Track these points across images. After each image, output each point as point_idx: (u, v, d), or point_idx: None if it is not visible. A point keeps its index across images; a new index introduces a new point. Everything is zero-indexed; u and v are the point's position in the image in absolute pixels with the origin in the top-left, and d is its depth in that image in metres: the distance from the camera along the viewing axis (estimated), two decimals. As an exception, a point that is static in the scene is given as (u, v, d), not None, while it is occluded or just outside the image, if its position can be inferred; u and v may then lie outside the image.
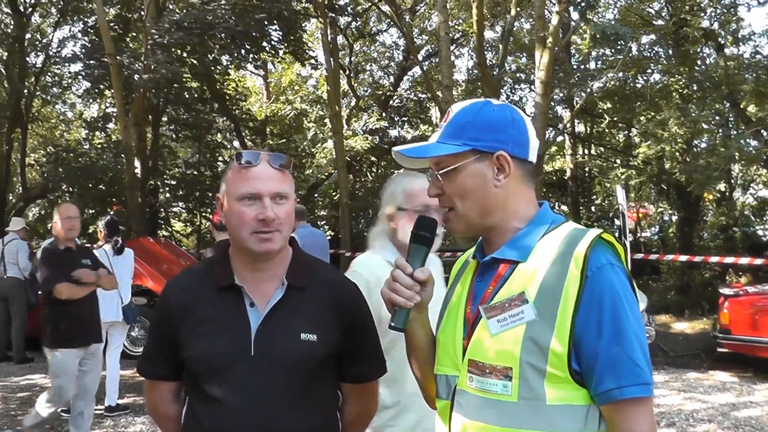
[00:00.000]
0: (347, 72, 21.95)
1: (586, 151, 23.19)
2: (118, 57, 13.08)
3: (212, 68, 15.95)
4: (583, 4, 11.71)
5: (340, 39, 20.29)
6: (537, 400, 1.40)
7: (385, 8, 19.13)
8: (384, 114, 21.18)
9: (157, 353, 1.98)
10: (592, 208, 22.33)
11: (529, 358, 1.40)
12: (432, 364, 1.68)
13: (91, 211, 15.02)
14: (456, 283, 1.69)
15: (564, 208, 21.74)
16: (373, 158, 21.41)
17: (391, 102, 22.27)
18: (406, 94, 22.91)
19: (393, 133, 22.17)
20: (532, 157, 1.59)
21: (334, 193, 20.58)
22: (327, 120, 20.03)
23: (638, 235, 21.19)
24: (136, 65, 13.29)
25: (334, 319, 1.89)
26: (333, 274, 2.05)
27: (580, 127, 22.61)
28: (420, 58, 20.45)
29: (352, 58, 22.96)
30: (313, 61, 17.02)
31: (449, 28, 15.16)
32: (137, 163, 14.83)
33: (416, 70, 21.85)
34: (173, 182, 17.59)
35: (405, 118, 22.90)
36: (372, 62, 24.04)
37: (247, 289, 1.83)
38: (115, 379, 7.16)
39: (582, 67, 18.87)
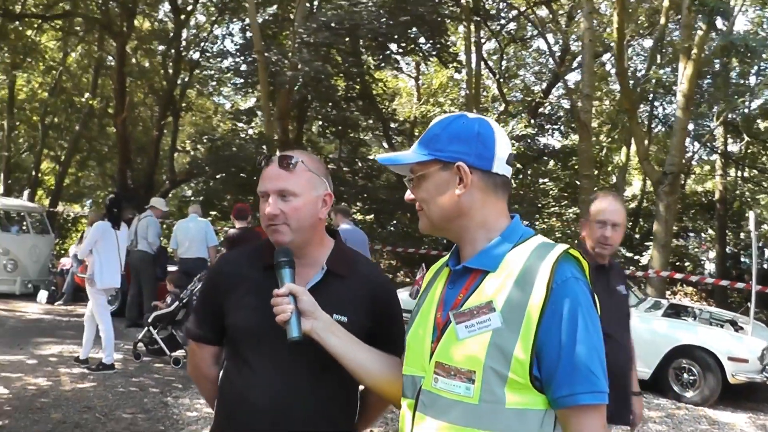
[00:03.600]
0: (497, 76, 22.18)
1: (739, 173, 22.07)
2: (266, 54, 14.08)
3: (358, 68, 16.72)
4: (714, 13, 11.34)
5: (491, 43, 20.54)
6: (497, 403, 1.56)
7: (542, 13, 19.14)
8: (533, 121, 21.25)
9: (203, 318, 2.31)
10: (741, 234, 21.28)
11: (492, 364, 1.56)
12: (369, 367, 1.97)
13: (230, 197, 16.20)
14: (429, 289, 1.87)
15: (711, 231, 20.82)
16: (519, 165, 21.43)
17: (540, 109, 22.86)
18: (557, 102, 23.35)
19: (542, 140, 22.41)
20: (498, 169, 1.74)
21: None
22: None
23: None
24: (283, 62, 14.23)
25: (365, 306, 2.16)
26: (370, 267, 2.34)
27: (733, 147, 21.56)
28: (576, 64, 20.33)
29: (504, 63, 23.05)
30: (456, 64, 17.40)
31: (594, 35, 15.12)
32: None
33: (569, 77, 22.29)
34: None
35: (555, 126, 23.20)
36: (524, 67, 24.04)
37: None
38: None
39: (743, 82, 17.91)
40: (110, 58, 23.14)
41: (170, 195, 23.38)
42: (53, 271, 14.36)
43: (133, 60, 23.24)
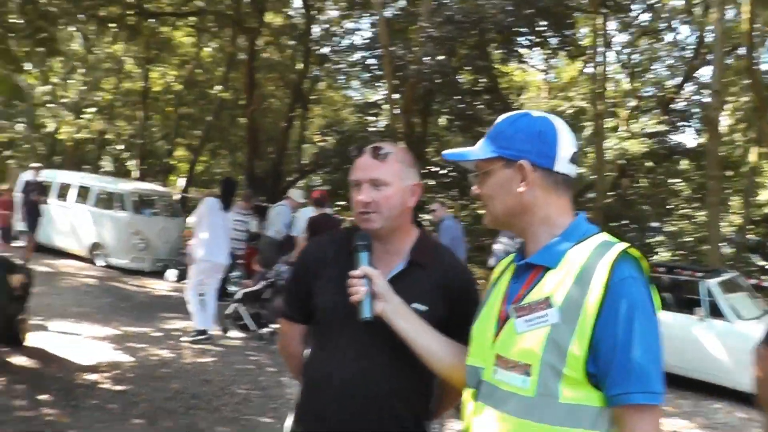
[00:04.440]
0: (628, 70, 21.41)
1: None
2: (391, 48, 14.24)
3: (483, 61, 16.64)
4: None
5: (624, 36, 19.86)
6: (551, 397, 1.61)
7: (676, 2, 18.33)
8: (665, 117, 20.43)
9: (292, 298, 2.45)
10: None
11: (549, 358, 1.61)
12: (436, 353, 2.05)
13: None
14: (497, 283, 1.93)
15: None
16: (649, 163, 20.62)
17: (673, 104, 22.10)
18: (692, 98, 22.36)
19: (674, 138, 21.63)
20: (561, 168, 1.80)
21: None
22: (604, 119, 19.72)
23: None
24: (408, 56, 14.38)
25: (445, 297, 2.22)
26: (452, 258, 2.39)
27: None
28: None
29: (636, 56, 22.26)
30: (585, 57, 16.98)
31: (725, 27, 14.32)
32: (402, 149, 15.98)
33: (704, 71, 21.38)
34: (440, 170, 18.55)
35: (688, 123, 22.38)
36: (657, 61, 23.19)
37: (374, 258, 2.19)
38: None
39: None
40: (242, 52, 23.99)
41: (298, 185, 23.99)
42: (182, 252, 15.02)
43: (264, 55, 24.06)
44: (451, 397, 2.33)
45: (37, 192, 13.65)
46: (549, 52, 18.05)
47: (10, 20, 7.54)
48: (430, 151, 20.09)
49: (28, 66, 9.72)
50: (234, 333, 9.53)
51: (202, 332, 8.87)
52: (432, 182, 19.16)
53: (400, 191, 2.23)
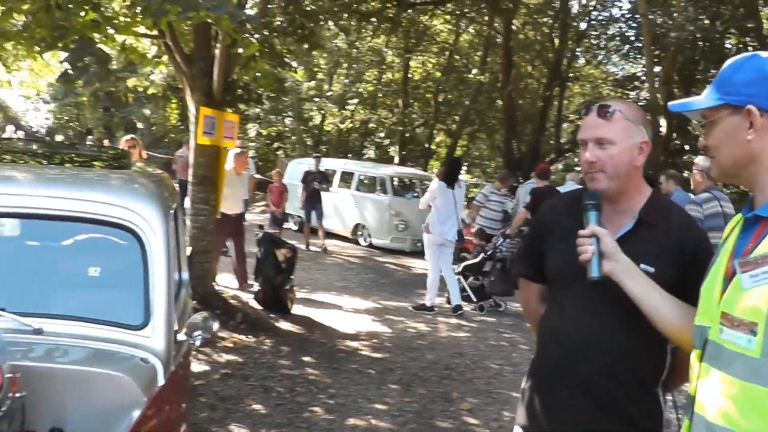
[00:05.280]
0: None
1: None
2: (650, 16, 13.49)
3: (752, 22, 15.23)
4: None
5: None
6: None
7: None
8: None
9: (526, 257, 2.56)
10: None
11: None
12: (665, 313, 1.98)
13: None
14: (726, 240, 1.80)
15: None
16: None
17: None
18: None
19: None
20: None
21: None
22: None
23: None
24: (667, 23, 13.53)
25: (674, 257, 2.16)
26: (683, 218, 2.34)
27: None
28: None
29: None
30: None
31: None
32: (663, 122, 15.07)
33: None
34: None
35: None
36: None
37: (604, 218, 2.14)
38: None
39: None
40: (499, 35, 23.99)
41: (557, 164, 23.58)
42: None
43: (521, 36, 23.90)
44: (685, 367, 2.21)
45: (318, 180, 14.52)
46: None
47: (275, 21, 8.08)
48: (695, 125, 18.64)
49: (292, 63, 10.40)
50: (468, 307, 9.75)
51: (430, 308, 9.36)
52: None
53: (626, 149, 2.18)
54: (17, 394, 2.14)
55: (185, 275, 3.55)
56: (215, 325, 2.96)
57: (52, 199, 2.75)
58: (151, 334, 2.65)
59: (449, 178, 9.54)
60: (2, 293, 2.71)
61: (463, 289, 9.84)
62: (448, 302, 9.59)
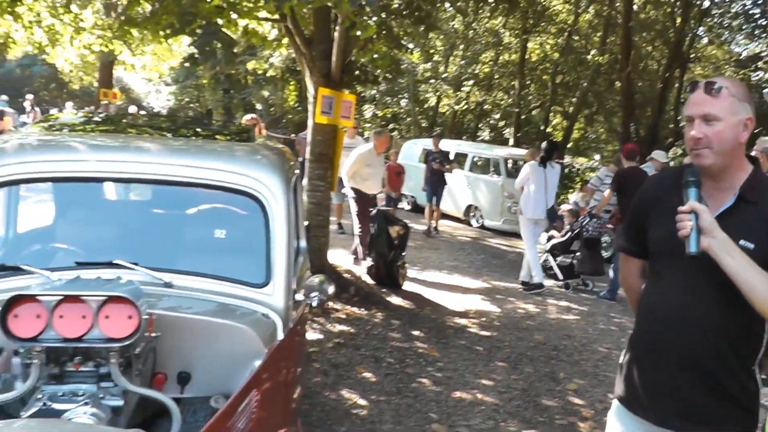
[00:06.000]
0: None
1: None
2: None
3: None
4: None
5: None
6: None
7: None
8: None
9: (628, 232, 2.58)
10: None
11: None
12: (761, 291, 2.00)
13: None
14: None
15: None
16: None
17: None
18: None
19: None
20: None
21: None
22: None
23: None
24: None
25: None
26: None
27: None
28: None
29: None
30: None
31: None
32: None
33: None
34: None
35: None
36: None
37: (705, 194, 2.19)
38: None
39: None
40: (619, 15, 23.32)
41: (675, 147, 22.74)
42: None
43: (641, 15, 23.12)
44: None
45: (440, 160, 14.38)
46: None
47: (392, 3, 8.22)
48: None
49: (409, 45, 10.49)
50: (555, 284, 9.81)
51: (539, 285, 9.44)
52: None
53: (731, 126, 2.19)
54: (153, 335, 2.38)
55: (303, 243, 3.75)
56: (331, 288, 3.16)
57: (182, 167, 2.96)
58: (271, 292, 2.84)
59: (543, 159, 9.62)
60: (136, 250, 2.94)
61: (551, 267, 10.11)
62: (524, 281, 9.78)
